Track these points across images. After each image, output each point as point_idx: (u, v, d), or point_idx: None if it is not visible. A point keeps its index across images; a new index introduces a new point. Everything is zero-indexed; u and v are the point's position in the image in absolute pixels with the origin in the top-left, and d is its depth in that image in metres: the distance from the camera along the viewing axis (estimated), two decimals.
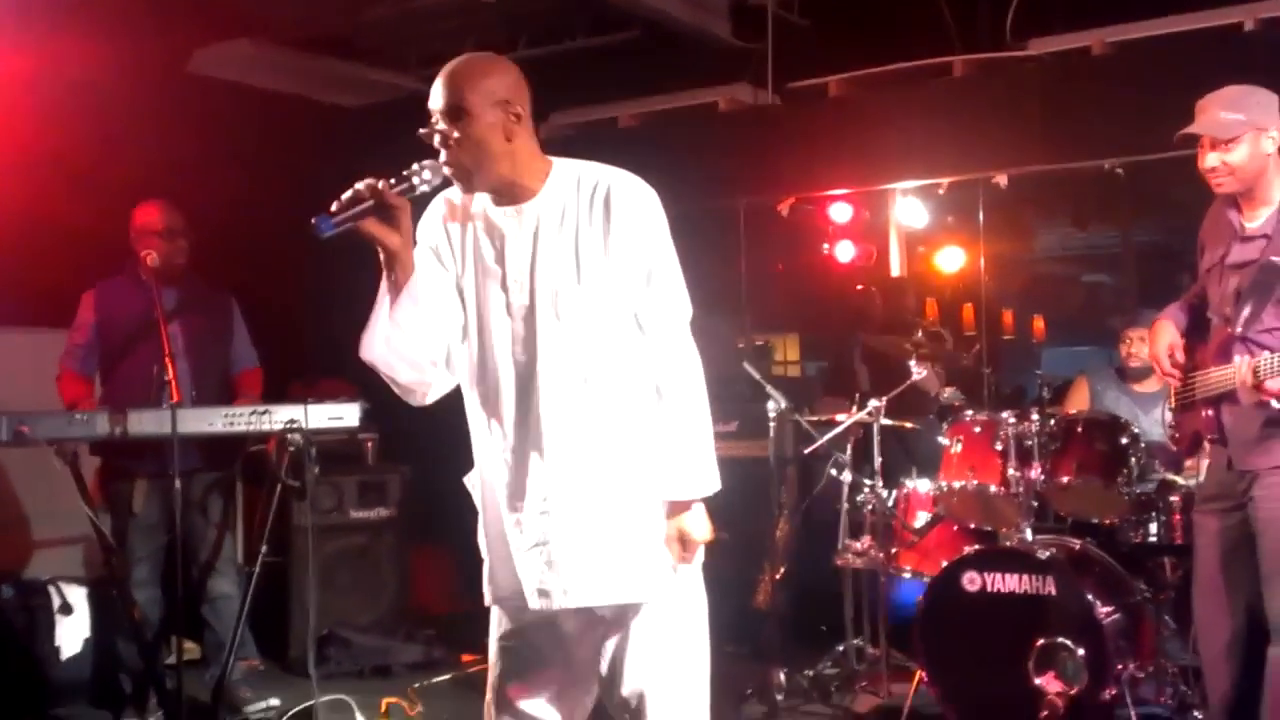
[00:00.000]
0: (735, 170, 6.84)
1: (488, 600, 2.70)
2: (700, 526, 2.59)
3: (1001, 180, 6.07)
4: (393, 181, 2.45)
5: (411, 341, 2.52)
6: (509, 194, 2.59)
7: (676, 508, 2.58)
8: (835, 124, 6.57)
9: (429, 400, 2.64)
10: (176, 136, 6.18)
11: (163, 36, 6.19)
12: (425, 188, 2.51)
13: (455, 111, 2.49)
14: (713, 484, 2.61)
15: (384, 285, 2.51)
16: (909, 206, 7.20)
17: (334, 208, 2.40)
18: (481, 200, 2.62)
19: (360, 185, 2.42)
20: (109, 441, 4.42)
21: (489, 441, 2.62)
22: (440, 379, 2.61)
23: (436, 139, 2.51)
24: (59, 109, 5.72)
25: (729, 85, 6.90)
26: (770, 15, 6.78)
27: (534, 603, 2.56)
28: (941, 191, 6.40)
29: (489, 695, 2.71)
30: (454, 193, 2.64)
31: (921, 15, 6.43)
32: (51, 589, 4.86)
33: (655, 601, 2.59)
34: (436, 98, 2.52)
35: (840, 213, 7.19)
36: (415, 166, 2.49)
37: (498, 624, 2.71)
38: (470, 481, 2.70)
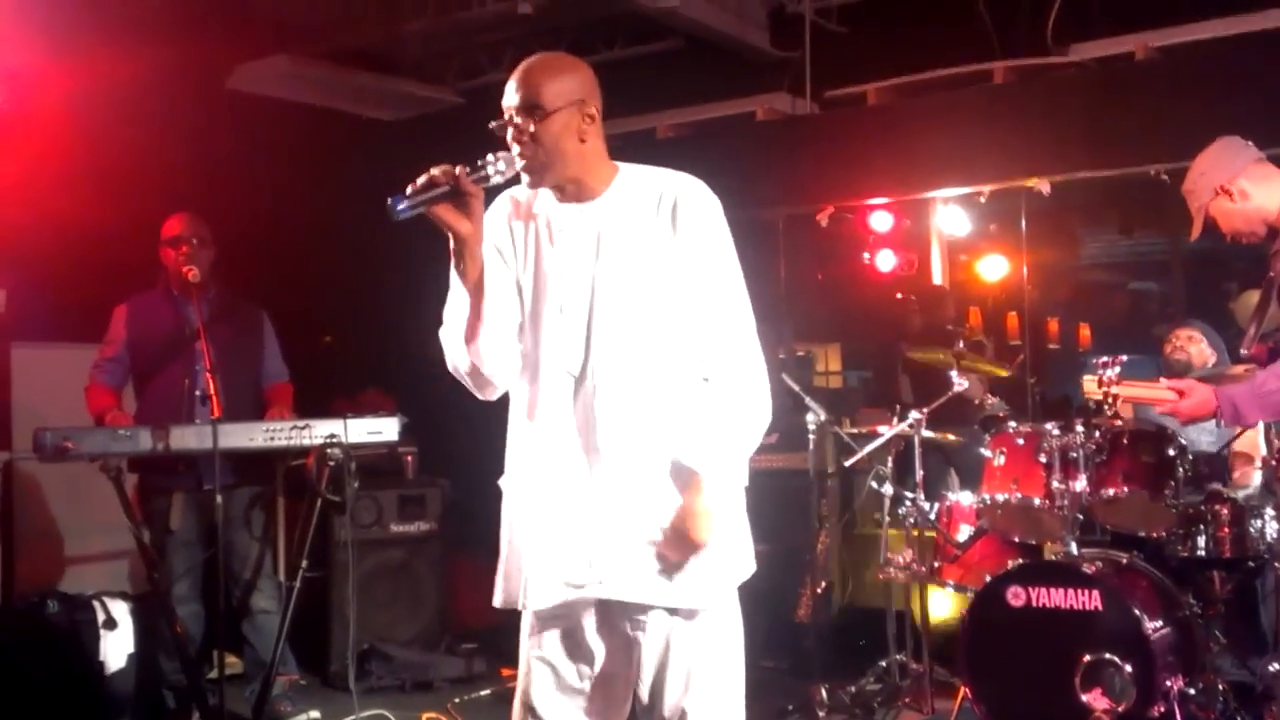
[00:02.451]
0: (774, 180, 6.81)
1: (497, 601, 2.65)
2: (708, 520, 2.48)
3: (1044, 188, 6.01)
4: (468, 170, 2.45)
5: (486, 333, 2.52)
6: (575, 192, 2.59)
7: (696, 485, 2.50)
8: (874, 132, 6.53)
9: (498, 395, 2.64)
10: (215, 152, 6.24)
11: (202, 53, 6.26)
12: (499, 178, 2.50)
13: (531, 109, 2.49)
14: (735, 474, 2.55)
15: (454, 276, 2.52)
16: (950, 215, 7.14)
17: (409, 190, 2.40)
18: (545, 198, 2.62)
19: (436, 170, 2.43)
20: (147, 457, 4.44)
21: (536, 440, 2.60)
22: (512, 370, 2.61)
23: (510, 133, 2.52)
24: (98, 125, 5.79)
25: (767, 94, 6.88)
26: (808, 23, 6.75)
27: (563, 594, 2.53)
28: (983, 199, 6.34)
29: (516, 707, 2.68)
30: (519, 191, 2.64)
31: (960, 22, 6.37)
32: (96, 604, 4.89)
33: (693, 621, 2.55)
34: (512, 94, 2.52)
35: (881, 221, 7.14)
36: (490, 157, 2.48)
37: (530, 635, 2.66)
38: (507, 482, 2.67)
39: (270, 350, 5.12)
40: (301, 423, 4.52)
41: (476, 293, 2.51)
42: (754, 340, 2.60)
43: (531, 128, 2.48)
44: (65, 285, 5.74)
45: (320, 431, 4.50)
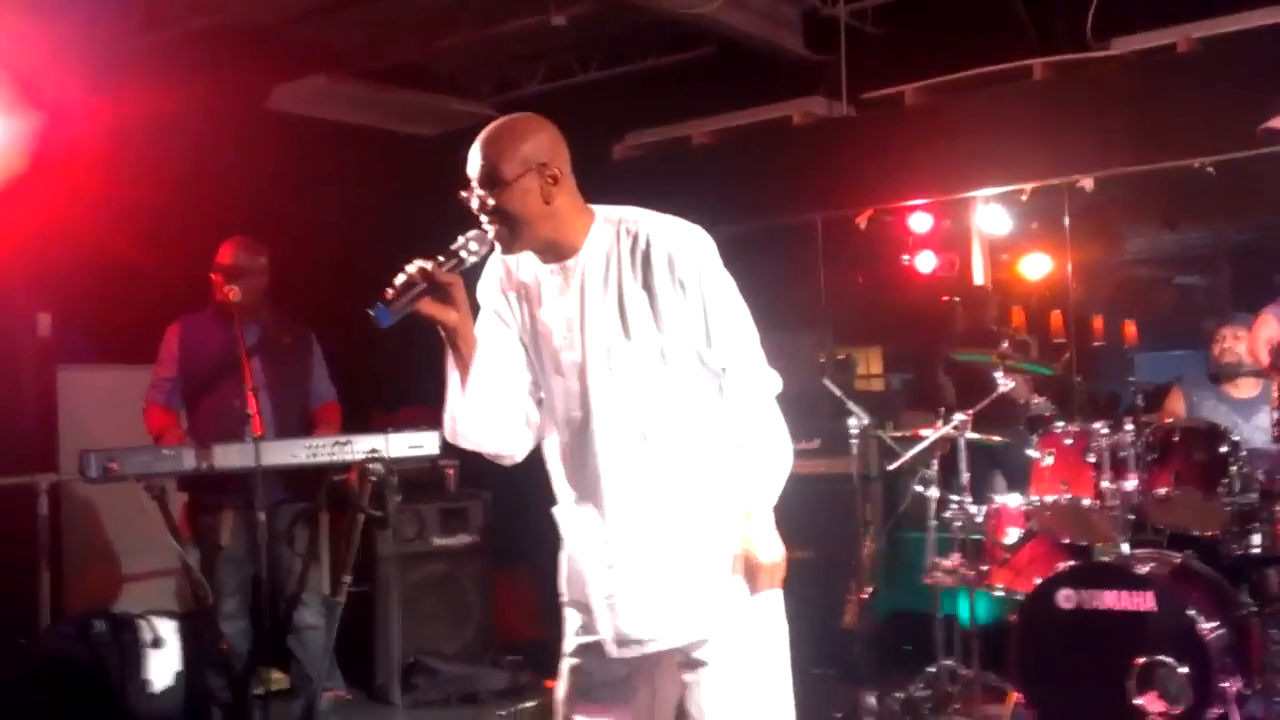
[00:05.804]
0: (811, 184, 6.77)
1: (567, 649, 2.67)
2: (768, 546, 2.52)
3: (1087, 184, 5.92)
4: (441, 260, 2.47)
5: (488, 412, 2.55)
6: (553, 252, 2.58)
7: (743, 525, 2.53)
8: (912, 133, 6.47)
9: (520, 459, 2.67)
10: (257, 172, 6.29)
11: (241, 76, 6.31)
12: (474, 259, 2.53)
13: (492, 180, 2.49)
14: (769, 498, 2.56)
15: (450, 362, 2.55)
16: (991, 214, 7.05)
17: (389, 295, 2.44)
18: (531, 260, 2.62)
19: (410, 269, 2.45)
20: (195, 476, 4.47)
21: (559, 490, 2.66)
22: (525, 438, 2.65)
23: (475, 204, 2.52)
24: (139, 150, 5.84)
25: (803, 99, 6.84)
26: (843, 26, 6.70)
27: (612, 651, 2.57)
28: (1024, 198, 6.26)
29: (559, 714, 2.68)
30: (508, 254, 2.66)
31: (997, 19, 6.30)
32: (142, 623, 4.91)
33: (731, 646, 2.53)
34: (473, 165, 2.52)
35: (920, 223, 7.08)
36: (461, 240, 2.51)
37: (571, 643, 2.67)
38: (557, 515, 2.70)
39: (318, 370, 5.15)
40: (343, 439, 4.53)
41: (470, 373, 2.52)
42: (762, 374, 2.58)
43: (492, 201, 2.49)
44: (110, 307, 5.80)
45: (361, 447, 4.50)
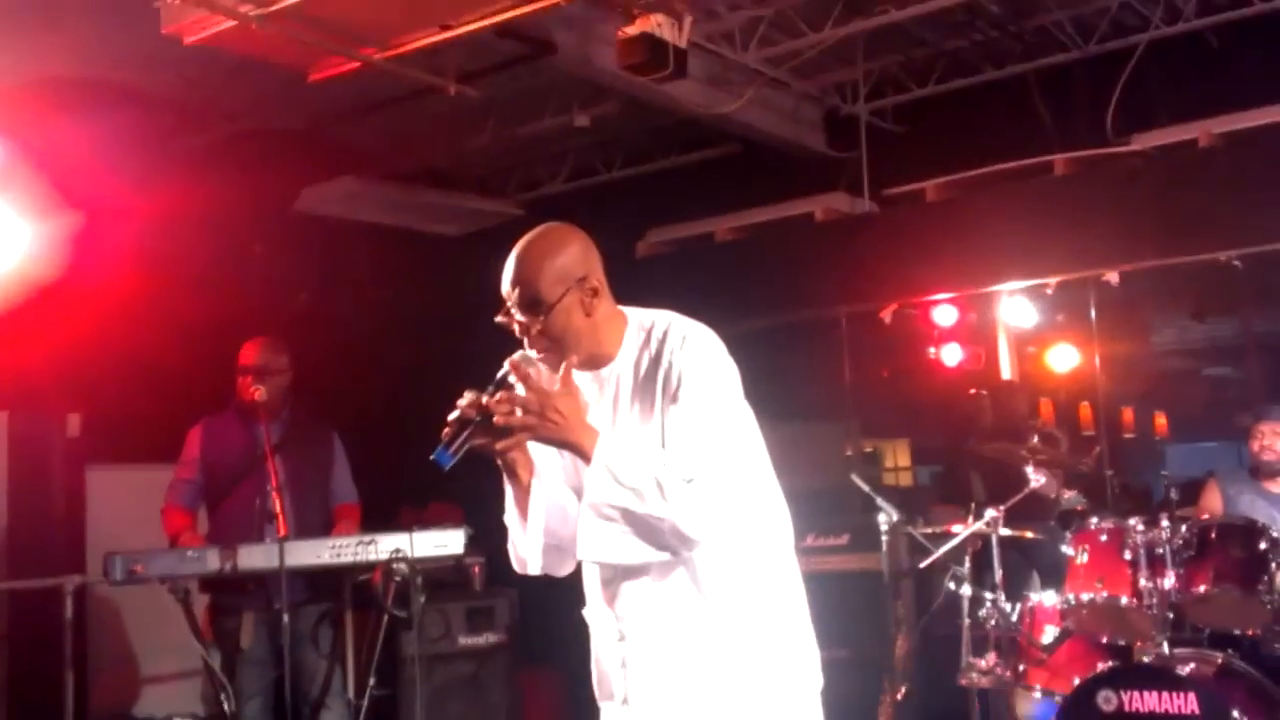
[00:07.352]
0: (835, 279, 6.79)
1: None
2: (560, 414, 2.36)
3: (1112, 277, 5.91)
4: (491, 390, 2.38)
5: (556, 537, 2.48)
6: (592, 362, 2.53)
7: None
8: (935, 228, 6.50)
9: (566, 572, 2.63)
10: (285, 272, 6.37)
11: (271, 178, 6.42)
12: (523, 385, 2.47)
13: (533, 304, 2.43)
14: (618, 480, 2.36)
15: (510, 492, 2.49)
16: (1016, 307, 7.05)
17: (445, 435, 2.36)
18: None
19: (463, 402, 2.37)
20: (218, 577, 4.44)
21: (589, 591, 2.62)
22: (567, 564, 2.59)
23: (516, 330, 2.48)
24: (169, 252, 5.94)
25: (825, 195, 6.89)
26: (864, 124, 6.78)
27: None
28: (1050, 291, 6.25)
29: None
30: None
31: (1017, 116, 6.37)
32: None
33: None
34: (509, 287, 2.46)
35: (945, 316, 7.07)
36: (506, 366, 2.41)
37: None
38: (586, 616, 2.67)
39: (339, 470, 5.11)
40: (367, 538, 4.51)
41: (530, 504, 2.47)
42: (708, 487, 2.38)
43: (537, 327, 2.44)
44: (138, 408, 5.84)
45: (386, 546, 4.48)
